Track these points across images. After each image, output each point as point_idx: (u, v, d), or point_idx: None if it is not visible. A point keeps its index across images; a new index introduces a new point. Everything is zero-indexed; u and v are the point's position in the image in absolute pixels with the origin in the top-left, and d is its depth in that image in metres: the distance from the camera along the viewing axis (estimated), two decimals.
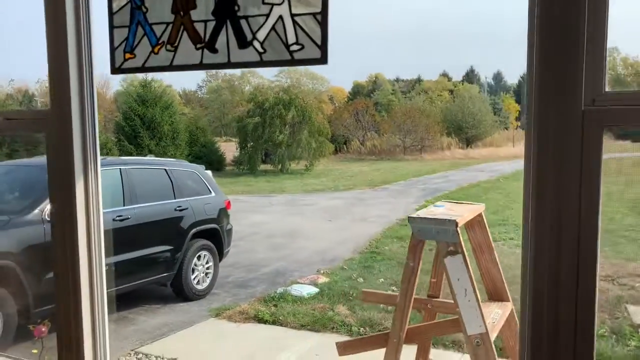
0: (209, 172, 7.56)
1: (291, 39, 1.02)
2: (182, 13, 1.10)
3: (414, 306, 1.94)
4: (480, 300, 1.51)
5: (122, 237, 5.55)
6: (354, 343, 2.48)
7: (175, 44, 1.12)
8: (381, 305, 5.85)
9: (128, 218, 5.72)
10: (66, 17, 1.43)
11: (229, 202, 7.33)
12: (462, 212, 1.75)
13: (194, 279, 6.54)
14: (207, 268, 6.73)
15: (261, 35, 1.05)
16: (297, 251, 9.41)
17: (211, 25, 1.09)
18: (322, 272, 7.84)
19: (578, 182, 0.98)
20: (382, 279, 7.51)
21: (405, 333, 1.65)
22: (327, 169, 23.21)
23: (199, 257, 6.59)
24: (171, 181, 6.47)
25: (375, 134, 31.60)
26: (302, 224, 12.31)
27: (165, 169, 6.53)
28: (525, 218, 1.03)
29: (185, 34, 1.11)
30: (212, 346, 5.17)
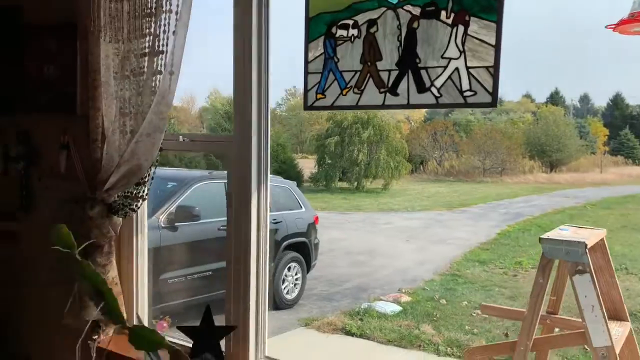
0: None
1: (465, 86, 1.25)
2: (369, 63, 1.36)
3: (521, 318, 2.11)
4: (606, 317, 1.65)
5: (224, 246, 5.97)
6: (481, 349, 2.66)
7: (362, 88, 1.38)
8: (474, 329, 5.91)
9: None
10: (252, 63, 1.75)
11: (317, 217, 7.65)
12: (588, 236, 1.90)
13: (284, 288, 6.87)
14: (296, 279, 7.03)
15: (438, 82, 1.28)
16: (377, 269, 9.55)
17: (394, 74, 1.34)
18: (403, 291, 7.95)
19: None
20: (466, 302, 7.50)
21: (532, 342, 1.82)
22: (403, 189, 23.18)
23: (289, 269, 6.90)
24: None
25: (454, 154, 31.16)
26: (379, 242, 12.44)
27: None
28: None
29: (370, 80, 1.37)
30: (306, 353, 5.44)
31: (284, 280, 6.83)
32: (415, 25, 1.29)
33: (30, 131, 2.34)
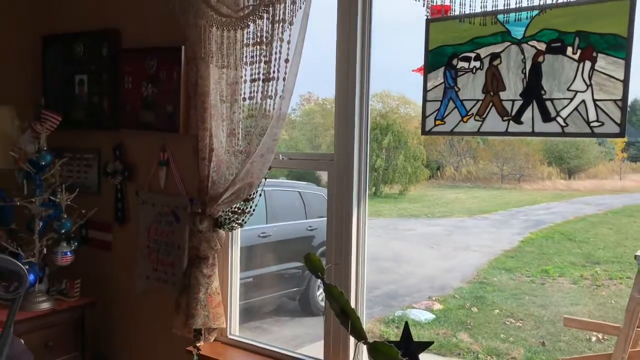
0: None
1: (592, 117, 1.34)
2: (491, 93, 1.46)
3: (610, 332, 2.18)
4: None
5: (263, 252, 6.10)
6: None
7: (484, 116, 1.48)
8: (510, 337, 5.95)
9: (270, 235, 6.26)
10: (355, 85, 1.86)
11: None
12: None
13: (319, 295, 6.95)
14: None
15: (564, 113, 1.38)
16: (405, 276, 9.59)
17: (518, 103, 1.44)
18: (434, 299, 8.00)
19: None
20: (497, 311, 7.53)
21: (627, 355, 1.90)
22: (421, 195, 23.15)
23: None
24: (303, 202, 6.98)
25: (471, 160, 31.10)
26: (404, 248, 12.47)
27: (299, 192, 7.06)
28: None
29: (493, 108, 1.47)
30: None
31: (318, 288, 6.91)
32: (540, 59, 1.39)
33: (127, 147, 2.47)
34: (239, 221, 1.97)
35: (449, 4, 1.48)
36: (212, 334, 2.12)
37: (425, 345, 1.14)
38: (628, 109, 1.28)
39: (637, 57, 1.26)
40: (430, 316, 6.99)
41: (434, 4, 1.50)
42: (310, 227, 6.83)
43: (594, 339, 6.47)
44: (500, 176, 29.85)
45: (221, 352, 2.18)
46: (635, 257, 2.02)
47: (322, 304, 6.92)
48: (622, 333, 1.94)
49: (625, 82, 1.29)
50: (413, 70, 1.62)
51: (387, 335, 6.13)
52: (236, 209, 1.98)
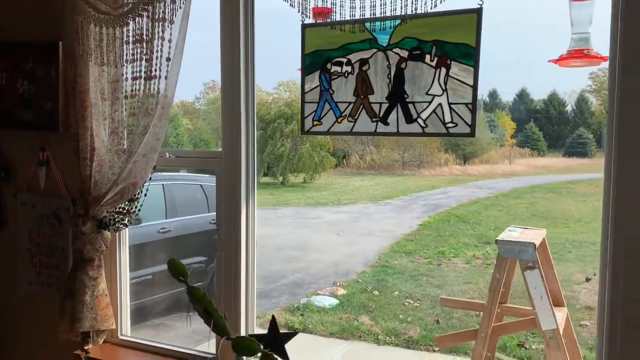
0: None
1: (447, 119, 1.48)
2: (362, 96, 1.57)
3: (478, 309, 2.43)
4: (552, 305, 1.98)
5: (163, 248, 5.97)
6: (448, 337, 3.01)
7: (355, 117, 1.58)
8: (408, 317, 6.28)
9: (170, 230, 6.14)
10: (240, 86, 1.91)
11: None
12: (534, 236, 2.24)
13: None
14: None
15: (424, 115, 1.51)
16: (311, 264, 9.77)
17: (385, 106, 1.55)
18: (338, 284, 8.25)
19: None
20: (397, 292, 7.92)
21: (491, 329, 2.12)
22: (328, 183, 23.62)
23: None
24: (206, 195, 6.90)
25: (374, 148, 32.06)
26: (311, 237, 12.67)
27: (200, 185, 6.96)
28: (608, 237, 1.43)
29: (363, 110, 1.57)
30: None
31: None
32: (403, 65, 1.51)
33: (3, 147, 2.33)
34: (124, 221, 1.95)
35: (329, 6, 1.55)
36: (101, 336, 2.09)
37: (290, 336, 1.23)
38: (516, 98, 1.42)
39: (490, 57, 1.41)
40: (334, 301, 7.22)
41: (314, 6, 1.57)
42: (213, 220, 6.76)
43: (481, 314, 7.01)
44: (401, 163, 31.06)
45: (112, 354, 2.15)
46: (496, 241, 2.26)
47: None
48: (486, 310, 2.17)
49: (475, 87, 1.44)
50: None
51: (292, 323, 6.27)
52: (121, 209, 1.95)
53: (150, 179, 1.93)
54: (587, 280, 7.85)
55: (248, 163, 1.95)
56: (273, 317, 1.06)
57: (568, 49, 1.82)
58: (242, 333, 2.03)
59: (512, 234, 2.29)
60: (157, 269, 5.82)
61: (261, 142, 22.55)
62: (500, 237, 2.26)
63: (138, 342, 2.23)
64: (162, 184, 6.34)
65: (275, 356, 1.17)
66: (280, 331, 1.12)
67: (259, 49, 1.87)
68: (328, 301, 7.34)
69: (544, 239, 2.37)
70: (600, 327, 1.46)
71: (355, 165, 30.53)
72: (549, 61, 1.81)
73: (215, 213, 6.69)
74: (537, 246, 2.11)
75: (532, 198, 17.11)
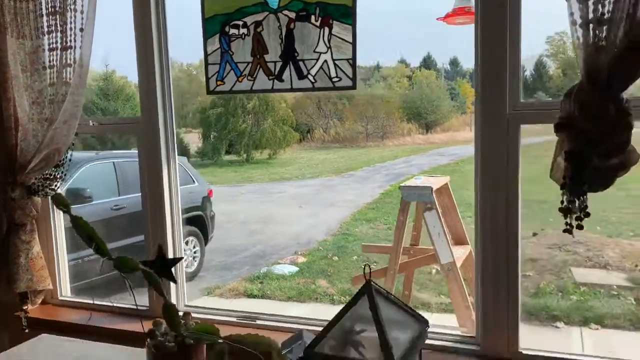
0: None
1: (333, 74, 1.65)
2: (258, 56, 1.71)
3: (391, 251, 2.71)
4: (449, 241, 2.18)
5: (118, 225, 6.04)
6: (362, 276, 3.29)
7: (254, 76, 1.73)
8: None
9: (124, 207, 6.19)
10: (153, 47, 2.02)
11: (211, 190, 7.86)
12: (434, 182, 2.44)
13: (183, 262, 7.04)
14: (195, 252, 7.24)
15: (313, 71, 1.67)
16: (273, 236, 9.93)
17: (279, 64, 1.70)
18: (299, 253, 8.46)
19: (505, 162, 1.64)
20: (355, 257, 8.19)
21: (398, 266, 2.33)
22: (292, 158, 23.72)
23: (186, 243, 7.07)
24: None
25: (338, 122, 32.10)
26: (274, 211, 12.81)
27: None
28: (476, 191, 1.68)
29: (260, 69, 1.72)
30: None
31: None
32: (292, 26, 1.66)
33: None
34: (52, 187, 2.07)
35: None
36: (39, 297, 2.22)
37: (176, 261, 1.37)
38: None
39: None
40: (294, 269, 7.43)
41: None
42: None
43: (434, 271, 7.35)
44: (365, 135, 31.21)
45: (51, 313, 2.29)
46: (400, 187, 2.46)
47: (187, 270, 7.05)
48: (393, 249, 2.38)
49: (354, 44, 1.61)
50: None
51: (250, 291, 6.48)
52: (48, 176, 2.07)
53: (73, 144, 2.04)
54: (534, 235, 8.25)
55: (166, 127, 2.08)
56: (159, 245, 1.20)
57: (453, 7, 2.00)
58: (172, 293, 2.19)
59: (417, 181, 2.49)
60: (113, 245, 5.89)
61: (222, 120, 22.38)
62: (405, 183, 2.47)
63: (77, 302, 2.37)
64: (113, 162, 6.38)
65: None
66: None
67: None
68: (288, 269, 7.54)
69: (446, 184, 2.59)
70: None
71: (320, 139, 30.64)
72: (437, 19, 1.98)
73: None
74: (434, 190, 2.32)
75: None
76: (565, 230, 1.43)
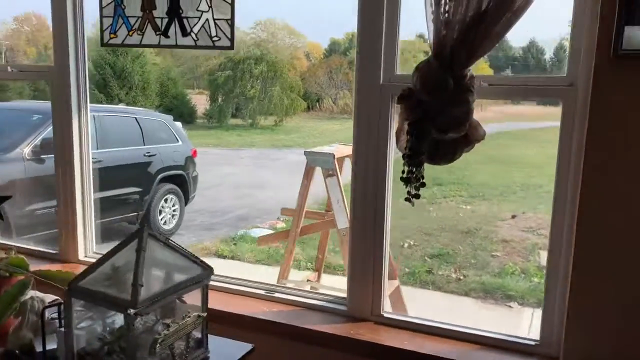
0: (179, 124, 8.08)
1: (213, 33, 1.67)
2: (147, 11, 1.73)
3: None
4: (347, 207, 2.22)
5: (96, 178, 6.14)
6: (268, 238, 3.44)
7: (143, 31, 1.75)
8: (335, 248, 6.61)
9: (101, 161, 6.27)
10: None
11: (195, 151, 7.91)
12: (340, 150, 2.48)
13: (161, 219, 7.16)
14: (174, 210, 7.33)
15: (195, 29, 1.69)
16: (262, 201, 9.99)
17: (165, 20, 1.73)
18: (281, 219, 8.53)
19: (377, 131, 1.67)
20: None
21: (300, 230, 2.39)
22: (298, 126, 23.66)
23: (166, 200, 7.16)
24: (141, 129, 7.00)
25: (348, 92, 31.79)
26: (268, 176, 12.85)
27: (135, 117, 7.06)
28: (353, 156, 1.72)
29: (149, 25, 1.74)
30: None
31: (160, 211, 7.11)
32: None
33: None
34: None
35: None
36: None
37: (4, 199, 1.42)
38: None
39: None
40: (270, 233, 7.53)
41: None
42: (148, 152, 6.93)
43: (406, 245, 7.42)
44: None
45: None
46: (305, 152, 2.50)
47: (165, 227, 7.18)
48: (296, 212, 2.43)
49: (232, 5, 1.63)
50: None
51: (222, 252, 6.60)
52: None
53: None
54: (513, 217, 8.26)
55: (78, 77, 2.12)
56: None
57: None
58: (80, 253, 2.26)
59: (327, 147, 2.53)
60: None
61: (230, 84, 22.32)
62: (310, 149, 2.51)
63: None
64: (94, 115, 6.44)
65: None
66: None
67: None
68: (265, 233, 7.62)
69: None
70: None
71: (328, 109, 30.47)
72: None
73: (150, 146, 6.69)
74: (336, 157, 2.36)
75: (495, 144, 17.45)
76: (406, 199, 1.47)
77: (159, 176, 6.99)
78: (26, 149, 5.36)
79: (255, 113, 23.04)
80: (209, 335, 1.15)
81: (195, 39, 1.69)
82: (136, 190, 6.76)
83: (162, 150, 7.12)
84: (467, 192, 10.96)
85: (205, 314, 1.05)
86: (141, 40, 1.76)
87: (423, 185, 1.41)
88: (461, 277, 5.90)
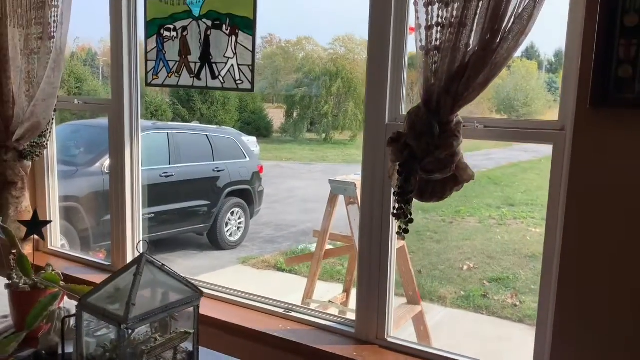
0: (253, 138, 8.42)
1: (237, 77, 1.88)
2: (184, 56, 1.98)
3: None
4: None
5: (166, 191, 6.60)
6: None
7: (180, 73, 2.00)
8: None
9: (172, 175, 6.74)
10: (123, 42, 2.34)
11: (261, 167, 8.26)
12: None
13: (227, 231, 7.53)
14: (239, 223, 7.69)
15: (222, 73, 1.91)
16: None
17: (198, 65, 1.96)
18: (344, 234, 8.66)
19: (382, 165, 1.80)
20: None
21: (323, 252, 2.53)
22: None
23: (232, 213, 7.53)
24: (211, 145, 7.43)
25: None
26: None
27: (206, 135, 7.52)
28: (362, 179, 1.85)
29: (185, 68, 1.99)
30: (233, 282, 6.20)
31: (227, 224, 7.48)
32: (209, 33, 1.91)
33: None
34: (36, 153, 2.48)
35: None
36: (26, 245, 2.66)
37: (45, 223, 1.65)
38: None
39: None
40: (329, 247, 7.71)
41: None
42: (217, 168, 7.35)
43: (465, 267, 7.32)
44: None
45: (39, 259, 2.73)
46: (329, 181, 2.62)
47: (230, 239, 7.54)
48: (320, 235, 2.57)
49: (253, 53, 1.82)
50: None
51: (281, 265, 6.85)
52: (34, 143, 2.47)
53: (53, 119, 2.43)
54: None
55: (131, 110, 2.40)
56: (35, 209, 1.49)
57: None
58: (129, 258, 2.54)
59: (352, 176, 2.66)
60: (159, 209, 6.48)
61: (306, 100, 22.88)
62: (334, 178, 2.65)
63: (64, 253, 2.80)
64: (167, 133, 6.94)
65: None
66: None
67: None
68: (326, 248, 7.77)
69: None
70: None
71: None
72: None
73: (219, 162, 7.09)
74: (357, 186, 2.47)
75: None
76: (397, 233, 1.58)
77: (226, 190, 7.38)
78: (105, 163, 5.88)
79: (329, 128, 23.40)
80: (203, 348, 1.33)
81: (222, 81, 1.91)
82: (205, 203, 7.17)
83: (230, 166, 7.51)
84: (540, 215, 10.58)
85: (193, 331, 1.23)
86: (178, 82, 2.00)
87: (411, 221, 1.52)
88: (517, 303, 5.76)
